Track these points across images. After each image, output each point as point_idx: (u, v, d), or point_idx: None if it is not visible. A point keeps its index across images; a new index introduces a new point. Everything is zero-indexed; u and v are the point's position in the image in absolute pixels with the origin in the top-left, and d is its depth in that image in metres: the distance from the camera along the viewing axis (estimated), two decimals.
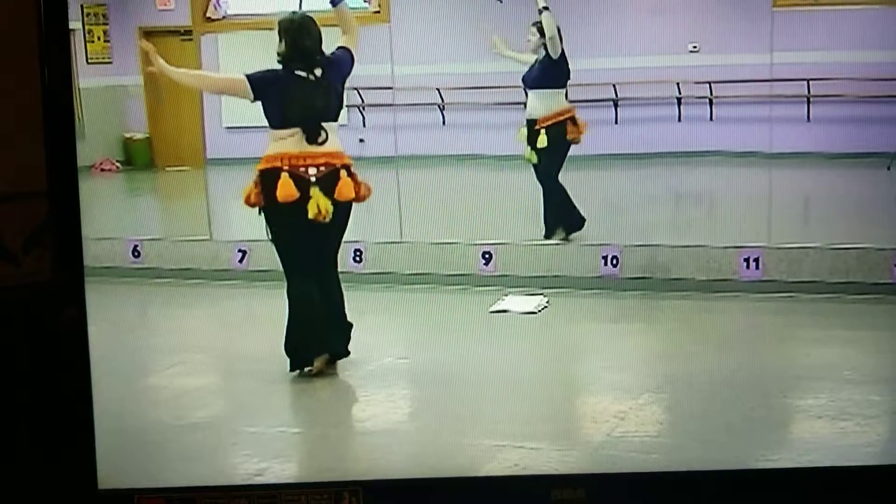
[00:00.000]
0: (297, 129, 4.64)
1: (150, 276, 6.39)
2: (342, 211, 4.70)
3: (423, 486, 3.34)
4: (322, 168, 4.63)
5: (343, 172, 4.65)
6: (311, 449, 4.07)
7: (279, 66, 4.70)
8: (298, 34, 4.68)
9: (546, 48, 6.30)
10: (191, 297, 6.20)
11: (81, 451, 3.18)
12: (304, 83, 4.67)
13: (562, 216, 6.40)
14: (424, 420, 4.35)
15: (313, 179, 4.61)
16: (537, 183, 6.41)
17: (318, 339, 4.75)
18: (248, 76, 4.69)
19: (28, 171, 3.25)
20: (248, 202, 4.67)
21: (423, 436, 4.12)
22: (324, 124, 4.65)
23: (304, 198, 4.59)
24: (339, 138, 4.71)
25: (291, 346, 4.72)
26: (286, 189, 4.58)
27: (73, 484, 3.21)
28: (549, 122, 6.33)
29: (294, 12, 4.83)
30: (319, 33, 4.71)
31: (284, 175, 4.59)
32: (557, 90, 6.37)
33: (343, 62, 4.77)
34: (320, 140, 4.64)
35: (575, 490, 3.19)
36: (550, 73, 6.32)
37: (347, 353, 4.82)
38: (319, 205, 4.59)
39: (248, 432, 4.11)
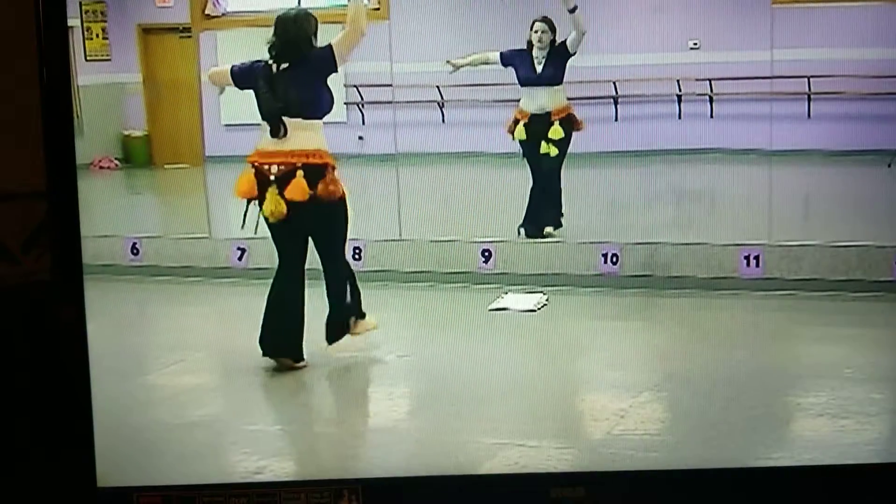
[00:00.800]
0: (265, 123, 4.72)
1: (149, 273, 6.38)
2: (313, 212, 4.72)
3: (423, 484, 3.34)
4: (282, 167, 4.67)
5: (300, 172, 4.65)
6: (310, 447, 4.06)
7: (263, 57, 4.77)
8: (283, 26, 4.73)
9: (557, 45, 6.33)
10: (190, 295, 6.19)
11: (81, 450, 3.18)
12: (269, 75, 4.72)
13: (556, 211, 6.43)
14: (424, 418, 4.34)
15: (272, 178, 4.66)
16: (528, 182, 6.42)
17: (276, 342, 4.83)
18: (232, 66, 4.82)
19: (27, 170, 3.25)
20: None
21: (422, 434, 4.12)
22: (287, 119, 4.67)
23: (262, 196, 4.70)
24: (318, 136, 4.72)
25: (260, 336, 4.83)
26: (241, 185, 4.73)
27: (72, 482, 3.22)
28: (563, 115, 6.38)
29: (291, 8, 4.87)
30: (306, 28, 4.74)
31: (249, 172, 4.70)
32: (563, 86, 6.41)
33: (319, 59, 4.74)
34: (280, 135, 4.66)
35: (575, 488, 3.19)
36: (562, 69, 6.37)
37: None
38: (273, 205, 4.66)
39: (248, 430, 4.11)
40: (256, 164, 4.72)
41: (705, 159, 6.88)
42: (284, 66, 4.72)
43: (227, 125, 7.33)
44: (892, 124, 7.26)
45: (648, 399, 4.30)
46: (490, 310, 5.61)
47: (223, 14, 7.26)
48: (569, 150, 6.45)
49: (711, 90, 7.45)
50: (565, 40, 6.32)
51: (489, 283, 6.02)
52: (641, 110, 7.39)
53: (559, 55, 6.36)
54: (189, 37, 7.21)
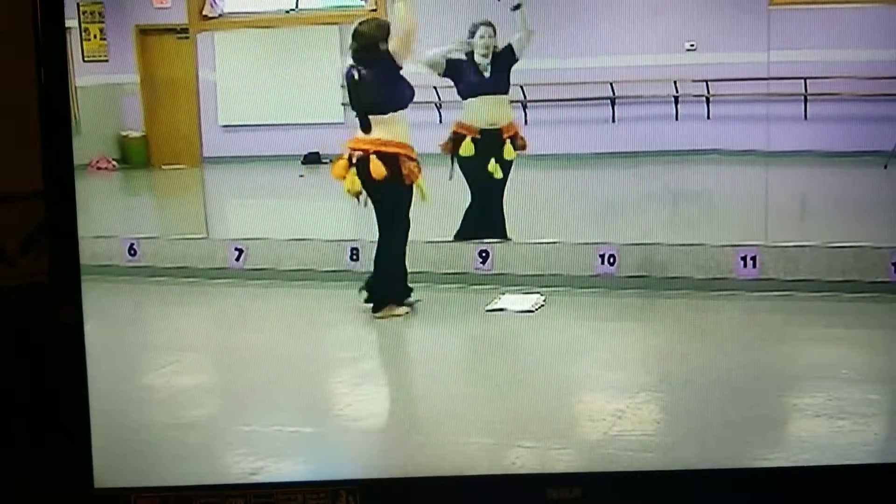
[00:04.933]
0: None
1: (147, 274, 6.38)
2: (385, 189, 5.57)
3: (420, 485, 3.35)
4: (360, 153, 5.56)
5: (373, 157, 5.52)
6: (307, 447, 4.06)
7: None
8: (356, 35, 5.55)
9: (500, 49, 6.04)
10: (187, 296, 6.19)
11: (77, 451, 3.19)
12: (352, 79, 5.60)
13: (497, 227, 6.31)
14: (421, 419, 4.35)
15: (353, 161, 5.57)
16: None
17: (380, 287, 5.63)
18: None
19: (24, 171, 3.25)
20: None
21: (419, 434, 4.12)
22: (371, 116, 5.53)
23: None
24: (395, 128, 5.58)
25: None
26: (335, 170, 5.64)
27: (69, 483, 3.22)
28: (512, 133, 6.13)
29: (365, 18, 5.70)
30: (375, 35, 5.53)
31: (342, 159, 5.61)
32: (508, 97, 6.17)
33: (385, 63, 5.53)
34: (366, 129, 5.55)
35: (571, 489, 3.19)
36: (508, 77, 6.06)
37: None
38: (351, 183, 5.58)
39: (244, 431, 4.11)
40: (348, 152, 5.61)
41: (702, 160, 6.89)
42: (364, 70, 5.56)
43: (224, 126, 7.34)
44: (889, 125, 7.27)
45: (645, 400, 4.31)
46: (487, 311, 5.61)
47: (220, 15, 7.26)
48: (568, 151, 6.43)
49: (708, 91, 7.46)
50: (510, 43, 6.01)
51: (486, 283, 6.02)
52: (638, 111, 7.39)
53: (504, 60, 6.03)
54: (187, 38, 7.22)
